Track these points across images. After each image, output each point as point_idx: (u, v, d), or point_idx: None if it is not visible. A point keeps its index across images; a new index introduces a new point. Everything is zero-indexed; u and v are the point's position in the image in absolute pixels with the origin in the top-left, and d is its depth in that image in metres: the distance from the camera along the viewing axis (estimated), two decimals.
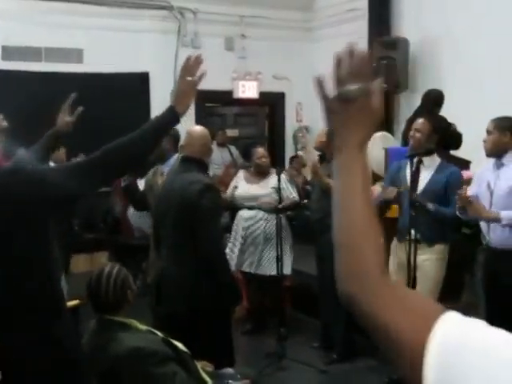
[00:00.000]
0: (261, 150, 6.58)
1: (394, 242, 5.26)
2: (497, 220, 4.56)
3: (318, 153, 6.19)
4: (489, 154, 4.80)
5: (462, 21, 8.27)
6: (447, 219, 5.03)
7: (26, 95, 8.66)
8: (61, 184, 2.68)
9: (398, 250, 5.12)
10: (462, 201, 4.62)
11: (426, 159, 5.12)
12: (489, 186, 4.70)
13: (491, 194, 4.68)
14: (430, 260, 5.08)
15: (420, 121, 5.26)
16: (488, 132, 4.75)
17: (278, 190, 5.97)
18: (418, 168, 5.12)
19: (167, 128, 3.00)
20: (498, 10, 7.77)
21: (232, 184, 6.83)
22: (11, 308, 2.67)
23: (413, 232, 5.04)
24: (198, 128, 4.55)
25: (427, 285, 5.06)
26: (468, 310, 5.45)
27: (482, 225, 4.81)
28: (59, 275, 3.11)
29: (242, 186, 6.60)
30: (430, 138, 5.16)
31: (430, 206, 4.93)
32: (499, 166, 4.72)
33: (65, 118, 3.73)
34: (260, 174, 6.48)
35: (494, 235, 4.71)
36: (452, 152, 6.63)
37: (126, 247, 8.42)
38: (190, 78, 2.96)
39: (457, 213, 4.84)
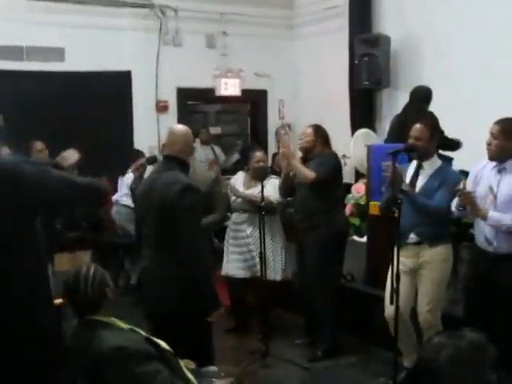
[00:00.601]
0: (259, 154, 6.54)
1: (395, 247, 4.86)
2: (484, 218, 4.43)
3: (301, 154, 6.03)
4: (492, 158, 4.59)
5: (443, 18, 8.32)
6: (430, 212, 4.82)
7: (8, 94, 8.63)
8: (55, 188, 2.77)
9: (401, 257, 4.73)
10: (466, 197, 4.44)
11: (426, 163, 4.95)
12: (491, 189, 4.52)
13: (495, 197, 4.51)
14: (433, 262, 4.92)
15: (418, 127, 4.95)
16: (492, 135, 4.52)
17: (261, 188, 5.95)
18: (417, 172, 4.97)
19: None
20: (479, 7, 7.82)
21: (230, 182, 6.80)
22: (11, 308, 2.68)
23: (413, 235, 4.92)
24: (181, 127, 4.50)
25: (429, 287, 4.94)
26: (451, 307, 5.48)
27: (487, 228, 4.57)
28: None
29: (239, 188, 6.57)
30: (431, 143, 4.97)
31: (406, 187, 4.76)
32: (501, 170, 4.54)
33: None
34: (257, 177, 6.43)
35: (500, 242, 4.51)
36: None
37: (109, 246, 8.40)
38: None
39: (453, 209, 4.68)
